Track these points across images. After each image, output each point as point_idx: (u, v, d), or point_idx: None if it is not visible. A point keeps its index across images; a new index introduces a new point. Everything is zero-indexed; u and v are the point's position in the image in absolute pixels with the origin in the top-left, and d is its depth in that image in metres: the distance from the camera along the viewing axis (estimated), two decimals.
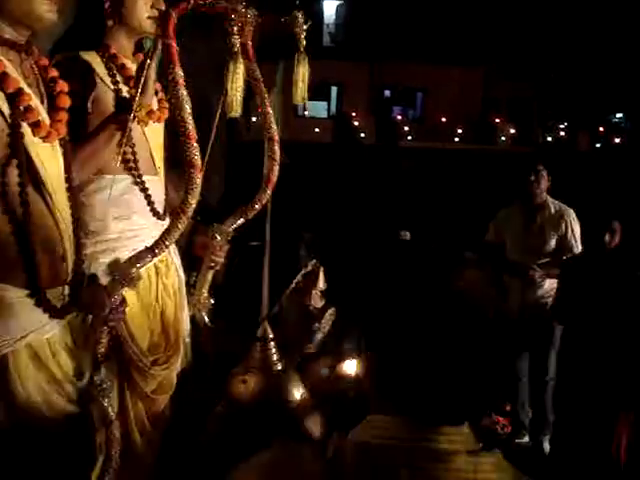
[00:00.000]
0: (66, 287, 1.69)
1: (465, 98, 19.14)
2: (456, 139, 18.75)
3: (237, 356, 2.44)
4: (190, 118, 1.74)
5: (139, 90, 1.86)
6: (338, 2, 18.79)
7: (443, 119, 18.97)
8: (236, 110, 1.94)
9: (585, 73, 20.02)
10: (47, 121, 1.61)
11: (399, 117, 18.28)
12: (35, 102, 1.59)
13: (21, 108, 1.53)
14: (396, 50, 17.47)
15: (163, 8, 1.96)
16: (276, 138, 2.20)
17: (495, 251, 4.14)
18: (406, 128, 17.60)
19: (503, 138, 19.23)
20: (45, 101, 1.66)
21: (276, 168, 2.23)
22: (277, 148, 2.21)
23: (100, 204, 2.05)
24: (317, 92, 18.14)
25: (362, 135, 14.90)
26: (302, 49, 2.09)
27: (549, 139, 20.71)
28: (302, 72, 2.10)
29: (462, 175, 11.31)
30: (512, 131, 19.34)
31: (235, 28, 1.89)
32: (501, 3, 17.29)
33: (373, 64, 18.03)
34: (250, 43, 2.07)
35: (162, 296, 2.20)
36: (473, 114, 19.10)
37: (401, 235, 5.36)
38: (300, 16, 2.08)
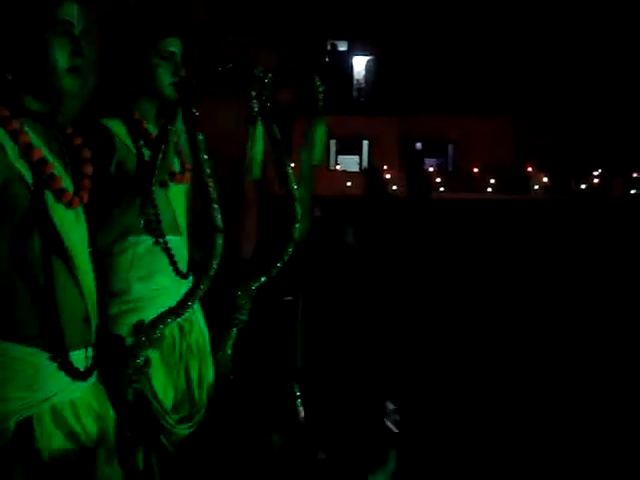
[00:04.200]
0: (90, 349, 1.73)
1: (496, 148, 19.20)
2: (489, 189, 18.74)
3: (266, 413, 2.45)
4: (211, 181, 1.79)
5: (160, 154, 1.92)
6: (367, 57, 19.08)
7: (475, 170, 19.00)
8: (256, 172, 1.99)
9: (618, 120, 19.98)
10: (70, 188, 1.67)
11: (431, 169, 18.34)
12: (59, 170, 1.64)
13: (44, 177, 1.59)
14: (426, 103, 17.65)
15: (184, 75, 2.04)
16: (295, 196, 2.24)
17: None
18: (438, 180, 17.65)
19: (536, 187, 19.17)
20: (69, 168, 1.72)
21: (297, 226, 2.27)
22: (297, 207, 2.25)
23: (123, 265, 2.11)
24: (348, 146, 18.34)
25: (394, 188, 14.97)
26: (320, 111, 2.15)
27: (583, 187, 20.60)
28: (320, 133, 2.15)
29: (498, 225, 11.27)
30: (545, 180, 19.27)
31: (253, 92, 1.95)
32: (529, 54, 17.41)
33: (403, 117, 18.19)
34: (269, 106, 2.12)
35: (186, 355, 2.23)
36: (505, 164, 19.12)
37: None
38: (317, 79, 2.14)
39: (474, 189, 17.53)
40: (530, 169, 19.44)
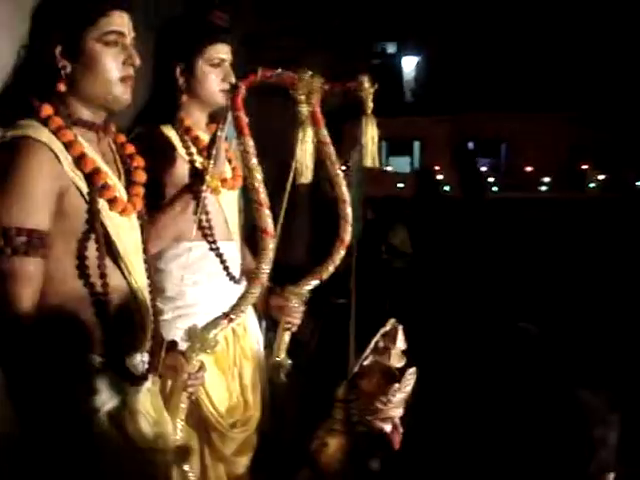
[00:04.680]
0: (145, 354, 1.75)
1: (550, 146, 18.87)
2: (543, 188, 18.42)
3: (318, 418, 2.44)
4: (262, 186, 1.80)
5: (211, 161, 1.94)
6: (417, 58, 18.97)
7: (529, 168, 18.72)
8: (306, 176, 1.99)
9: None
10: (124, 196, 1.69)
11: (484, 169, 18.15)
12: (112, 179, 1.67)
13: (98, 185, 1.62)
14: (477, 102, 17.46)
15: (233, 81, 2.05)
16: (346, 199, 2.24)
17: None
18: (491, 179, 17.43)
19: (592, 185, 18.80)
20: (122, 177, 1.75)
21: (348, 229, 2.26)
22: (348, 209, 2.25)
23: (177, 271, 2.13)
24: (400, 148, 18.26)
25: (447, 189, 14.84)
26: (369, 112, 2.13)
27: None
28: (370, 135, 2.14)
29: (554, 224, 11.08)
30: (601, 177, 18.89)
31: (302, 97, 1.95)
32: (583, 50, 17.10)
33: (455, 117, 18.03)
34: (318, 109, 2.12)
35: (240, 359, 2.24)
36: (559, 162, 18.79)
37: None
38: (366, 80, 2.13)
39: (528, 188, 17.26)
40: (585, 166, 19.06)
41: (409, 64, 19.10)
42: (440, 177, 14.99)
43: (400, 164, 18.26)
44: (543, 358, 1.14)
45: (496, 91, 17.70)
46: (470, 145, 19.12)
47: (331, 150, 2.20)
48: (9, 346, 1.53)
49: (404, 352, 2.83)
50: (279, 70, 1.90)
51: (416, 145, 18.88)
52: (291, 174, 2.03)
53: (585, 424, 1.07)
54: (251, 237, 2.35)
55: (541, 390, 1.10)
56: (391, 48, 18.62)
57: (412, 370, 2.79)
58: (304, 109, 1.92)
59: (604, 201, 13.41)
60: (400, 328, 2.83)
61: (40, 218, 1.54)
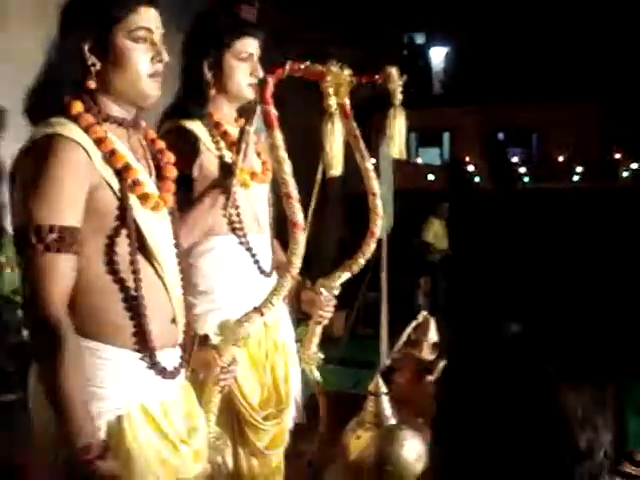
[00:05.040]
0: (177, 348, 1.76)
1: (582, 135, 18.63)
2: (575, 178, 18.21)
3: (351, 410, 2.45)
4: (291, 179, 1.80)
5: (240, 155, 1.94)
6: (445, 49, 18.83)
7: (560, 158, 18.51)
8: (336, 169, 1.98)
9: None
10: (155, 192, 1.70)
11: (515, 159, 17.98)
12: (143, 174, 1.68)
13: (129, 181, 1.63)
14: (507, 92, 17.28)
15: (261, 75, 2.05)
16: (376, 192, 2.23)
17: None
18: (522, 170, 17.26)
19: (625, 174, 18.54)
20: (153, 172, 1.75)
21: (379, 222, 2.25)
22: (378, 202, 2.24)
23: (208, 265, 2.14)
24: (429, 139, 18.15)
25: (477, 180, 14.73)
26: (398, 104, 2.12)
27: None
28: (398, 126, 2.13)
29: (587, 214, 10.92)
30: (634, 166, 18.63)
31: (331, 90, 1.94)
32: (613, 38, 16.85)
33: (484, 108, 17.87)
34: (347, 102, 2.11)
35: (272, 353, 2.25)
36: (591, 151, 18.55)
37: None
38: (394, 72, 2.12)
39: (560, 178, 17.07)
40: (618, 155, 18.80)
41: (438, 55, 18.96)
42: (470, 168, 14.89)
43: (430, 155, 18.16)
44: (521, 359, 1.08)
45: (526, 81, 17.51)
46: (500, 136, 18.98)
47: (361, 143, 2.19)
48: (42, 342, 1.55)
49: (436, 344, 2.83)
50: (307, 63, 1.89)
51: (446, 136, 18.74)
52: (319, 167, 2.02)
53: (566, 432, 0.99)
54: (281, 230, 2.36)
55: (519, 392, 1.03)
56: (419, 39, 18.48)
57: (444, 362, 2.78)
58: (333, 102, 1.91)
59: (638, 190, 13.20)
60: (432, 320, 2.83)
61: (71, 215, 1.55)
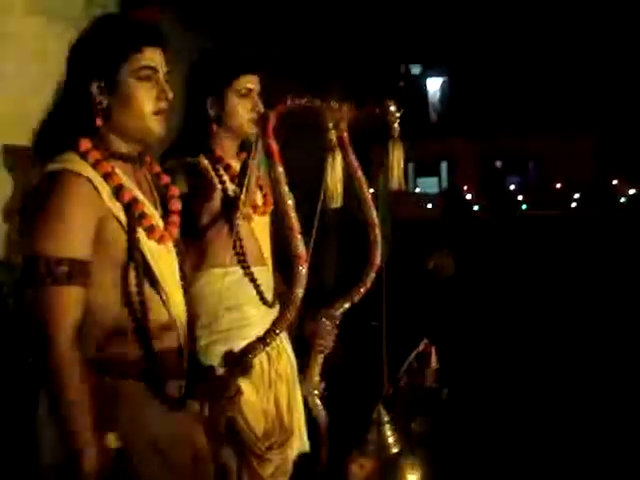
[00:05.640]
0: (183, 379, 1.78)
1: (578, 162, 18.75)
2: (573, 205, 18.27)
3: (353, 439, 2.46)
4: (293, 211, 1.84)
5: (244, 188, 1.98)
6: (442, 79, 19.01)
7: (558, 185, 18.61)
8: (337, 201, 2.02)
9: None
10: (161, 225, 1.75)
11: (512, 187, 18.08)
12: (149, 208, 1.73)
13: (136, 214, 1.67)
14: (503, 121, 17.42)
15: (262, 110, 2.10)
16: (376, 222, 2.26)
17: None
18: (520, 197, 17.34)
19: (622, 200, 18.61)
20: (158, 206, 1.80)
21: (378, 252, 2.28)
22: (378, 232, 2.27)
23: (212, 296, 2.17)
24: (427, 169, 18.27)
25: (476, 208, 14.80)
26: (396, 136, 2.17)
27: None
28: (397, 158, 2.17)
29: (584, 240, 10.96)
30: (632, 192, 18.71)
31: (330, 124, 1.99)
32: (607, 69, 17.03)
33: (481, 137, 18.02)
34: (346, 135, 2.16)
35: (275, 382, 2.27)
36: (588, 177, 18.64)
37: None
38: (392, 105, 2.16)
39: (558, 205, 17.15)
40: (615, 181, 18.89)
41: (434, 85, 19.14)
42: (469, 196, 14.96)
43: (428, 185, 18.25)
44: None
45: (521, 109, 17.66)
46: (498, 164, 19.06)
47: (360, 175, 2.23)
48: (49, 374, 1.57)
49: (437, 371, 2.86)
50: (307, 98, 1.94)
51: (443, 165, 18.87)
52: (320, 199, 2.06)
53: None
54: (280, 262, 2.39)
55: None
56: (416, 70, 18.67)
57: (445, 391, 2.81)
58: (332, 136, 1.96)
59: (636, 216, 13.25)
60: (433, 348, 2.86)
61: (80, 247, 1.59)
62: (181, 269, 1.82)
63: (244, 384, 1.97)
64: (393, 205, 4.81)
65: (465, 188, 15.32)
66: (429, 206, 15.23)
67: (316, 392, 2.40)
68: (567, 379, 5.14)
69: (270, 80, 2.41)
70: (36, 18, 3.95)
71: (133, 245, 1.65)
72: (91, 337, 1.62)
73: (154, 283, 1.69)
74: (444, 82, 19.24)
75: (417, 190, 16.50)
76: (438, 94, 19.24)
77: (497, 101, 17.65)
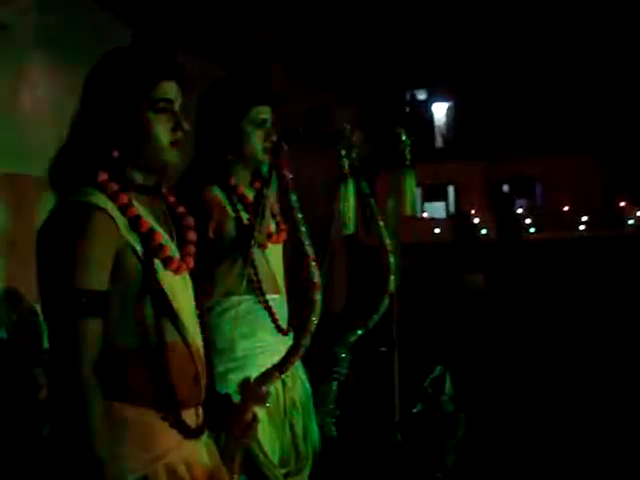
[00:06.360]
0: (200, 407, 1.79)
1: (585, 184, 18.73)
2: (581, 227, 18.25)
3: (368, 466, 2.46)
4: (307, 239, 1.86)
5: (258, 217, 2.01)
6: (447, 104, 19.10)
7: (565, 208, 18.59)
8: (350, 228, 2.05)
9: None
10: (177, 255, 1.76)
11: (520, 210, 18.06)
12: (165, 239, 1.74)
13: (153, 246, 1.68)
14: (509, 144, 17.47)
15: (275, 140, 2.13)
16: (390, 249, 2.29)
17: None
18: (528, 221, 17.32)
19: (631, 222, 18.59)
20: (174, 236, 1.81)
21: (391, 278, 2.30)
22: (392, 259, 2.29)
23: (227, 324, 2.19)
24: (434, 193, 18.29)
25: (483, 232, 14.78)
26: (407, 164, 2.20)
27: None
28: (409, 185, 2.20)
29: (593, 263, 10.93)
30: (639, 214, 18.66)
31: (343, 151, 2.02)
32: (612, 90, 17.07)
33: (488, 161, 18.06)
34: (357, 163, 2.18)
35: (290, 409, 2.28)
36: (595, 200, 18.62)
37: None
38: (402, 133, 2.19)
39: (565, 227, 17.12)
40: (623, 203, 18.87)
41: (440, 110, 19.22)
42: (476, 220, 14.97)
43: (435, 209, 18.27)
44: None
45: (528, 133, 17.70)
46: (505, 188, 19.10)
47: (372, 202, 2.26)
48: (70, 404, 1.57)
49: (452, 397, 2.85)
50: (320, 126, 1.97)
51: (450, 190, 18.89)
52: (332, 226, 2.08)
53: None
54: (292, 289, 2.41)
55: None
56: (421, 95, 18.76)
57: (462, 415, 2.81)
58: (345, 164, 1.99)
59: None
60: (447, 374, 2.86)
61: (100, 279, 1.60)
62: (196, 298, 1.83)
63: (259, 412, 1.97)
64: (401, 231, 4.84)
65: (472, 212, 15.33)
66: (437, 231, 15.22)
67: (331, 419, 2.41)
68: (576, 398, 5.11)
69: (279, 109, 2.44)
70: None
71: (150, 276, 1.66)
72: (107, 368, 1.63)
73: (171, 313, 1.70)
74: (450, 107, 19.33)
75: (425, 215, 16.49)
76: (444, 119, 19.32)
77: (503, 125, 17.70)
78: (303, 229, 1.84)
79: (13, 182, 3.81)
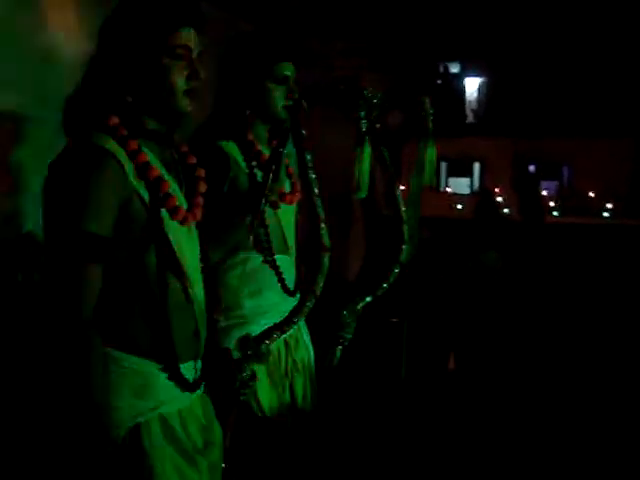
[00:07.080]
0: (199, 361, 1.78)
1: (614, 169, 18.48)
2: (605, 214, 18.04)
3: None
4: (319, 200, 1.83)
5: (270, 176, 1.97)
6: (480, 79, 18.85)
7: (591, 193, 18.38)
8: (363, 192, 2.01)
9: None
10: (184, 206, 1.73)
11: (545, 192, 17.88)
12: (174, 188, 1.72)
13: (160, 195, 1.66)
14: (540, 124, 17.24)
15: (296, 97, 2.09)
16: (404, 219, 2.25)
17: None
18: (552, 203, 17.15)
19: None
20: (183, 186, 1.79)
21: (404, 248, 2.27)
22: (405, 229, 2.26)
23: (233, 281, 2.18)
24: (459, 168, 18.13)
25: (506, 211, 14.66)
26: (429, 133, 2.15)
27: None
28: (430, 155, 2.16)
29: (616, 253, 10.80)
30: None
31: (362, 113, 1.97)
32: None
33: (516, 139, 17.86)
34: (378, 126, 2.14)
35: (292, 371, 2.27)
36: (623, 187, 18.39)
37: None
38: (426, 101, 2.15)
39: (591, 212, 16.93)
40: None
41: (472, 85, 18.98)
42: (500, 199, 14.84)
43: (460, 185, 18.13)
44: None
45: (558, 114, 17.46)
46: (531, 168, 18.90)
47: (389, 169, 2.22)
48: (70, 345, 1.57)
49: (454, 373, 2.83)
50: (341, 87, 1.93)
51: (476, 166, 18.71)
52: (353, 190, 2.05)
53: None
54: (302, 250, 2.39)
55: None
56: (454, 68, 18.52)
57: None
58: (364, 126, 1.95)
59: None
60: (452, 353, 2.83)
61: (103, 225, 1.58)
62: (203, 251, 1.81)
63: (260, 370, 1.97)
64: (423, 203, 4.81)
65: (497, 190, 15.19)
66: (459, 206, 15.11)
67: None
68: (593, 389, 5.09)
69: (308, 70, 2.40)
70: None
71: (155, 226, 1.64)
72: (107, 315, 1.62)
73: (174, 264, 1.68)
74: (482, 82, 19.08)
75: (448, 190, 16.38)
76: (475, 94, 19.08)
77: (535, 104, 17.47)
78: (316, 190, 1.81)
79: None
